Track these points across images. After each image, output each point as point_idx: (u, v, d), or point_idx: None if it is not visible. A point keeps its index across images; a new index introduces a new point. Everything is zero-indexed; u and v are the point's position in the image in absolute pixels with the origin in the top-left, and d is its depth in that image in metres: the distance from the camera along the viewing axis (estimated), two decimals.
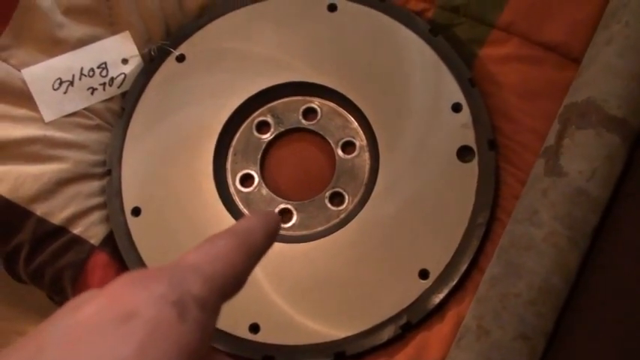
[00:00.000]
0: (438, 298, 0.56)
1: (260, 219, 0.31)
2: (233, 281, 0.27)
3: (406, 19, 0.63)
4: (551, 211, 0.52)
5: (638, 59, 0.54)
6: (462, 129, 0.59)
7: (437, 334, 0.55)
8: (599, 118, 0.53)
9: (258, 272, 0.58)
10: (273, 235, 0.32)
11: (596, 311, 0.52)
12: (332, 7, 0.64)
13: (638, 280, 0.51)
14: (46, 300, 0.75)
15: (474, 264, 0.57)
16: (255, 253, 0.30)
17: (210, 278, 0.26)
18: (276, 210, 0.61)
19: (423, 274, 0.56)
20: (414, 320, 0.55)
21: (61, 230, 0.61)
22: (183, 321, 0.23)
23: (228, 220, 0.60)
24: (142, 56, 0.66)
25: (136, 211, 0.62)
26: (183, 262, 0.27)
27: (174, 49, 0.65)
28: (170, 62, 0.65)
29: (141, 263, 0.60)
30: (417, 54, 0.62)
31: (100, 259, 0.61)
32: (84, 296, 0.25)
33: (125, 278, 0.25)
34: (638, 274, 0.51)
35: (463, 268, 0.56)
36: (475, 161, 0.58)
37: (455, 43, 0.62)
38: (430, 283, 0.56)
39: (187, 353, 0.23)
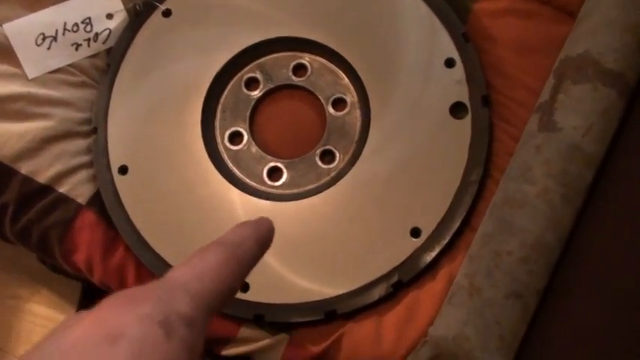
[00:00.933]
0: (429, 257, 0.55)
1: (251, 228, 0.31)
2: (221, 296, 0.27)
3: None
4: (545, 167, 0.51)
5: (636, 11, 0.53)
6: (455, 85, 0.58)
7: (428, 293, 0.55)
8: (595, 72, 0.52)
9: None
10: (265, 244, 0.31)
11: (590, 268, 0.52)
12: None
13: (633, 237, 0.51)
14: (38, 264, 0.75)
15: (466, 222, 0.56)
16: (246, 265, 0.29)
17: (197, 296, 0.26)
18: (266, 168, 0.60)
19: (415, 232, 0.55)
20: (406, 279, 0.55)
21: (46, 189, 0.60)
22: (169, 339, 0.23)
23: (217, 178, 0.59)
24: (127, 11, 0.64)
25: (123, 170, 0.61)
26: (171, 280, 0.26)
27: (160, 3, 0.63)
28: (156, 17, 0.63)
29: (128, 222, 0.59)
30: (410, 8, 0.60)
31: (87, 218, 0.60)
32: (71, 319, 0.25)
33: (112, 299, 0.25)
34: (632, 231, 0.51)
35: (455, 226, 0.55)
36: (468, 118, 0.57)
37: None
38: (422, 242, 0.55)
39: None
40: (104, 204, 0.60)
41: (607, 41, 0.52)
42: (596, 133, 0.51)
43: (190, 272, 0.27)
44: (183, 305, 0.25)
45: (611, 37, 0.52)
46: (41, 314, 0.82)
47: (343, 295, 0.55)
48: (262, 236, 0.31)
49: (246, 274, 0.29)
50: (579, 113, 0.52)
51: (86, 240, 0.60)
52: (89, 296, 0.81)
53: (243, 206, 0.58)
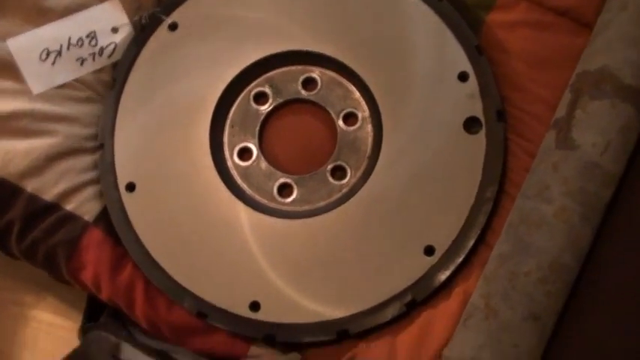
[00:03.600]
0: (444, 275, 0.54)
1: None
2: None
3: None
4: (563, 186, 0.50)
5: None
6: (468, 99, 0.57)
7: (443, 312, 0.54)
8: (613, 88, 0.51)
9: (257, 249, 0.56)
10: None
11: (608, 288, 0.51)
12: None
13: None
14: (45, 273, 0.74)
15: (481, 240, 0.55)
16: None
17: None
18: (276, 184, 0.59)
19: (429, 250, 0.55)
20: (419, 298, 0.54)
21: (53, 207, 0.59)
22: None
23: (226, 195, 0.58)
24: (133, 24, 0.63)
25: (131, 187, 0.60)
26: None
27: (167, 16, 0.62)
28: (162, 31, 0.62)
29: (136, 240, 0.58)
30: (422, 20, 0.59)
31: (95, 235, 0.59)
32: None
33: None
34: None
35: (470, 244, 0.54)
36: (483, 133, 0.56)
37: (461, 8, 0.59)
38: (436, 260, 0.54)
39: None
40: (111, 221, 0.59)
41: (625, 56, 0.51)
42: (615, 151, 0.50)
43: None
44: None
45: (629, 52, 0.51)
46: (46, 321, 0.81)
47: (355, 314, 0.54)
48: None
49: None
50: (597, 130, 0.50)
51: (93, 258, 0.59)
52: (95, 304, 0.81)
53: (252, 224, 0.57)
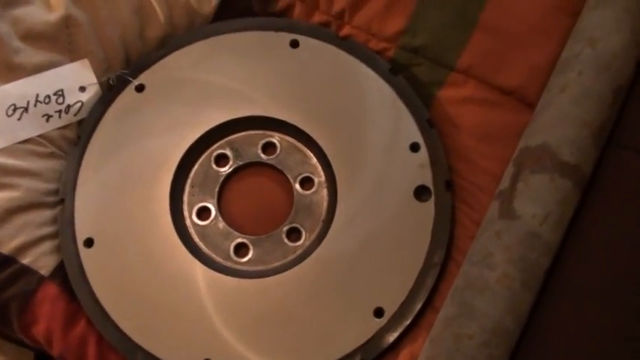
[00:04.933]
0: (392, 337, 0.56)
1: None
2: None
3: (367, 57, 0.64)
4: (505, 253, 0.53)
5: (591, 108, 0.56)
6: (419, 169, 0.60)
7: None
8: (552, 164, 0.54)
9: (211, 307, 0.58)
10: None
11: (548, 353, 0.53)
12: (294, 43, 0.64)
13: (588, 322, 0.52)
14: None
15: (428, 303, 0.57)
16: None
17: None
18: (233, 244, 0.61)
19: (378, 312, 0.56)
20: (368, 359, 0.55)
21: (9, 260, 0.59)
22: None
23: (183, 253, 0.59)
24: (101, 84, 0.65)
25: (89, 242, 0.60)
26: None
27: (134, 78, 0.64)
28: (129, 92, 0.64)
29: (92, 295, 0.59)
30: (377, 92, 0.62)
31: (49, 290, 0.59)
32: None
33: None
34: (587, 316, 0.53)
35: (418, 307, 0.57)
36: (432, 201, 0.59)
37: (414, 84, 0.63)
38: (385, 322, 0.56)
39: None
40: (67, 276, 0.60)
41: (564, 134, 0.55)
42: (554, 222, 0.53)
43: None
44: None
45: (568, 131, 0.55)
46: None
47: None
48: None
49: None
50: (537, 202, 0.54)
51: (47, 312, 0.59)
52: None
53: (207, 282, 0.59)
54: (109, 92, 0.65)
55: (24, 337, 0.61)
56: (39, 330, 0.59)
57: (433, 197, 0.59)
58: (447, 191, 0.59)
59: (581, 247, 0.55)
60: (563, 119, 0.56)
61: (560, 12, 0.62)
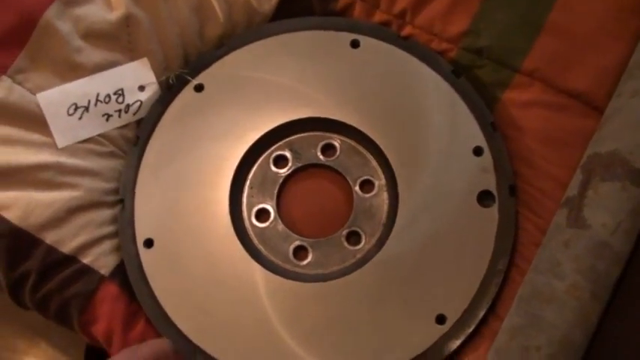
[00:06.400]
0: (454, 345, 0.55)
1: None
2: None
3: (429, 58, 0.62)
4: (574, 263, 0.52)
5: None
6: (482, 173, 0.59)
7: None
8: (624, 171, 0.53)
9: (271, 310, 0.57)
10: None
11: None
12: (355, 43, 0.63)
13: None
14: (39, 317, 0.74)
15: (491, 311, 0.56)
16: None
17: None
18: (292, 247, 0.61)
19: (440, 319, 0.56)
20: None
21: (70, 259, 0.60)
22: None
23: (242, 255, 0.59)
24: (160, 84, 0.64)
25: (149, 243, 0.60)
26: None
27: (193, 78, 0.64)
28: (188, 91, 0.64)
29: (152, 296, 0.59)
30: (439, 94, 0.61)
31: (109, 290, 0.60)
32: None
33: None
34: None
35: (481, 314, 0.56)
36: (495, 206, 0.58)
37: (477, 86, 0.62)
38: (447, 329, 0.56)
39: None
40: (127, 276, 0.60)
41: (636, 141, 0.54)
42: (625, 231, 0.52)
43: None
44: None
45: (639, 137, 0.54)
46: None
47: None
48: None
49: None
50: (608, 211, 0.52)
51: (107, 312, 0.59)
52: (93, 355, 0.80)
53: (266, 285, 0.58)
54: (168, 92, 0.65)
55: (83, 335, 0.61)
56: (98, 329, 0.60)
57: (497, 202, 0.58)
58: (511, 197, 0.58)
59: None
60: (636, 125, 0.55)
61: (630, 13, 0.60)
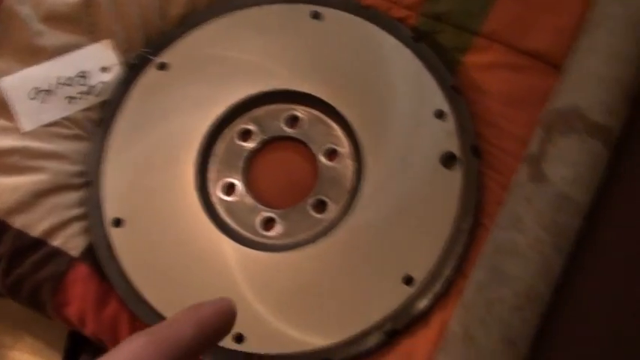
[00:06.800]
0: (422, 304, 0.56)
1: (191, 311, 0.29)
2: None
3: (389, 26, 0.63)
4: (536, 217, 0.52)
5: (621, 67, 0.55)
6: (445, 135, 0.59)
7: (422, 340, 0.55)
8: (582, 125, 0.54)
9: (241, 281, 0.58)
10: (210, 326, 0.29)
11: (580, 315, 0.52)
12: (316, 15, 0.64)
13: (620, 284, 0.52)
14: (22, 311, 0.74)
15: (458, 270, 0.57)
16: (171, 346, 0.27)
17: None
18: (260, 218, 0.61)
19: (408, 280, 0.56)
20: (399, 327, 0.55)
21: (40, 242, 0.60)
22: None
23: (211, 230, 0.60)
24: (123, 64, 0.65)
25: (117, 222, 0.61)
26: None
27: (156, 57, 0.64)
28: (151, 70, 0.64)
29: (122, 274, 0.59)
30: (401, 61, 0.62)
31: (80, 271, 0.60)
32: None
33: None
34: (619, 278, 0.52)
35: (447, 273, 0.56)
36: (459, 168, 0.58)
37: (438, 50, 0.62)
38: (415, 290, 0.56)
39: None
40: (97, 257, 0.60)
41: (594, 95, 0.54)
42: (584, 183, 0.53)
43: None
44: None
45: (597, 91, 0.54)
46: None
47: (337, 343, 0.55)
48: (203, 319, 0.29)
49: (178, 357, 0.28)
50: (567, 164, 0.53)
51: (79, 293, 0.60)
52: (75, 344, 0.80)
53: (236, 257, 0.59)
54: (132, 72, 0.65)
55: (57, 318, 0.61)
56: (71, 311, 0.60)
57: (460, 164, 0.58)
58: (474, 157, 0.58)
59: (611, 208, 0.54)
60: (593, 79, 0.55)
61: None
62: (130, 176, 0.62)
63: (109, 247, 0.60)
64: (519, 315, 0.50)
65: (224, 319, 0.30)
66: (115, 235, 0.61)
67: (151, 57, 0.64)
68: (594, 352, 0.51)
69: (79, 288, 0.60)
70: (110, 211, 0.61)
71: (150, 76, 0.64)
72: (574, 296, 0.53)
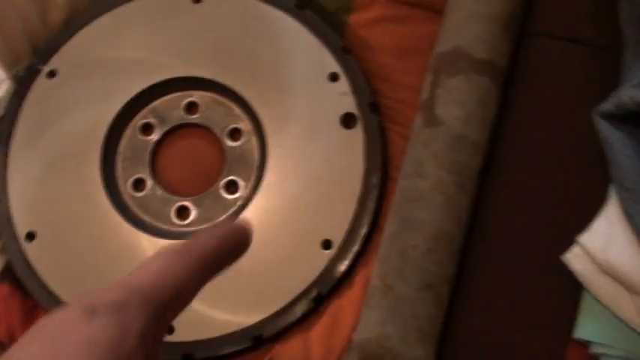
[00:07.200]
0: (343, 266, 0.56)
1: (212, 229, 0.31)
2: (164, 289, 0.27)
3: None
4: (435, 160, 0.53)
5: (497, 2, 0.56)
6: (341, 97, 0.59)
7: (349, 300, 0.56)
8: (467, 63, 0.54)
9: None
10: (230, 242, 0.32)
11: (492, 247, 0.54)
12: None
13: (524, 215, 0.53)
14: None
15: (374, 226, 0.57)
16: (198, 261, 0.29)
17: (129, 284, 0.27)
18: (173, 209, 0.61)
19: (326, 244, 0.56)
20: (325, 291, 0.56)
21: None
22: (88, 323, 0.24)
23: (126, 228, 0.59)
24: (12, 79, 0.64)
25: (31, 236, 0.60)
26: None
27: (44, 65, 0.63)
28: (42, 80, 0.64)
29: (44, 288, 0.59)
30: (287, 31, 0.62)
31: (2, 291, 0.59)
32: None
33: None
34: (523, 209, 0.53)
35: (363, 231, 0.57)
36: (359, 126, 0.59)
37: (323, 15, 0.62)
38: (334, 252, 0.56)
39: (98, 347, 0.24)
40: (16, 274, 0.59)
41: (474, 33, 0.55)
42: (477, 120, 0.53)
43: (135, 272, 0.28)
44: (113, 293, 0.26)
45: (477, 29, 0.55)
46: None
47: (267, 318, 0.56)
48: (224, 233, 0.31)
49: (203, 273, 0.30)
50: (457, 104, 0.54)
51: (3, 313, 0.59)
52: None
53: (155, 250, 0.58)
54: (21, 85, 0.64)
55: None
56: (0, 331, 0.59)
57: (360, 122, 0.59)
58: (372, 113, 0.59)
59: (508, 140, 0.55)
60: (472, 19, 0.56)
61: None
62: (37, 188, 0.61)
63: (27, 263, 0.60)
64: (432, 258, 0.51)
65: (242, 233, 0.33)
66: (30, 249, 0.60)
67: (38, 67, 0.63)
68: (511, 282, 0.52)
69: (3, 307, 0.59)
70: (21, 227, 0.60)
71: (40, 85, 0.63)
72: (484, 231, 0.54)
